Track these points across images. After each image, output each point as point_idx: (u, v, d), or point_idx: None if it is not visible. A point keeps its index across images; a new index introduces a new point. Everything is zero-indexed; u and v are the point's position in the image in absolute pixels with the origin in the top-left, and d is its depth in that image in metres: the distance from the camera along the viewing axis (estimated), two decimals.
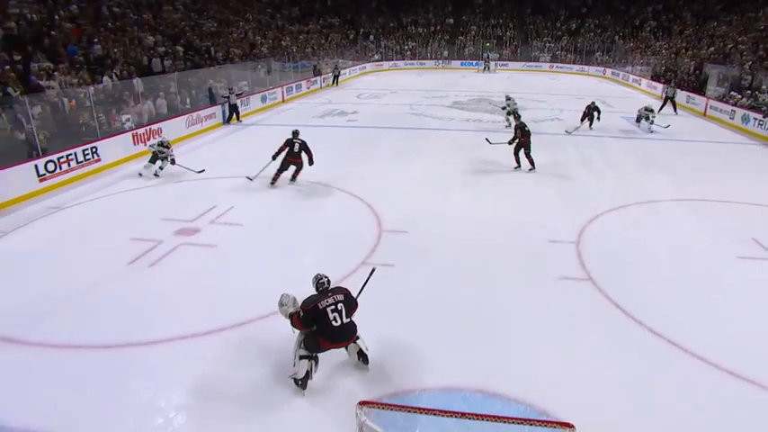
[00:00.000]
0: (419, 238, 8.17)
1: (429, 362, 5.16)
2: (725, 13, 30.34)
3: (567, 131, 16.07)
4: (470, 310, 6.13)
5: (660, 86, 24.28)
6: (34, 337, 5.57)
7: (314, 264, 6.93)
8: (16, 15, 15.54)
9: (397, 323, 5.79)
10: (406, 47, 40.81)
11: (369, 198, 9.82)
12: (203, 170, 11.38)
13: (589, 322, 5.94)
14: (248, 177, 10.80)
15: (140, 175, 11.21)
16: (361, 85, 29.33)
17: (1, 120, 10.89)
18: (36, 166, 10.22)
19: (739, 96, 18.65)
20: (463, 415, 3.36)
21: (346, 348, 4.96)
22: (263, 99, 20.72)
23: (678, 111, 19.93)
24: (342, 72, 30.01)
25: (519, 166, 11.87)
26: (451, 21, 43.22)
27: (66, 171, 10.91)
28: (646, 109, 16.63)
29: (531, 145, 11.60)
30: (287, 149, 10.38)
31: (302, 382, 4.69)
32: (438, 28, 42.52)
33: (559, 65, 38.11)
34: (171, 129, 14.32)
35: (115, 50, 16.83)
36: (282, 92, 22.70)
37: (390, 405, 3.65)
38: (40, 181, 10.28)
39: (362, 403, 3.48)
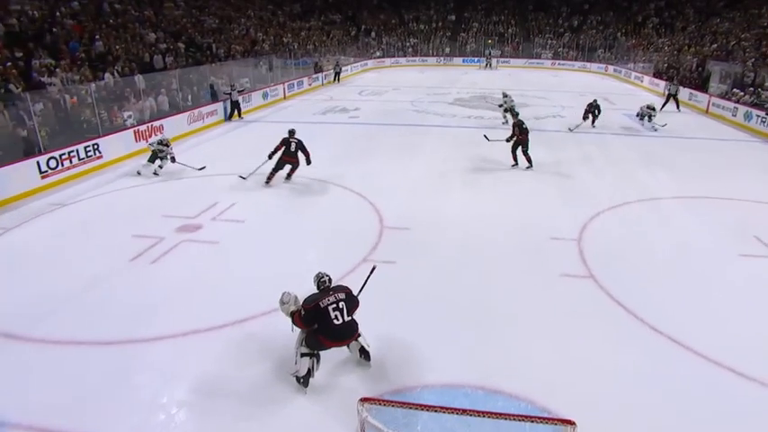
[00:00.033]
0: (421, 234, 8.17)
1: (430, 359, 5.17)
2: (728, 9, 30.21)
3: (569, 129, 16.04)
4: (472, 307, 6.14)
5: (662, 83, 24.20)
6: (36, 333, 5.59)
7: (315, 260, 6.96)
8: (18, 12, 15.53)
9: (398, 320, 5.79)
10: (408, 43, 40.73)
11: (370, 195, 9.82)
12: (204, 167, 11.37)
13: (590, 319, 5.94)
14: (241, 176, 10.71)
15: (139, 173, 11.16)
16: (363, 82, 29.28)
17: (2, 117, 10.88)
18: (38, 163, 10.23)
19: (742, 93, 18.59)
20: (464, 412, 3.36)
21: (348, 346, 4.97)
22: (265, 96, 20.70)
23: (680, 108, 19.86)
24: (343, 69, 29.94)
25: (516, 163, 11.84)
26: (453, 17, 43.10)
27: (68, 168, 10.92)
28: (648, 107, 16.58)
29: (529, 143, 11.57)
30: (283, 149, 10.31)
31: (304, 380, 4.69)
32: (440, 24, 42.42)
33: (561, 62, 37.99)
34: (172, 126, 14.32)
35: (117, 47, 16.82)
36: (284, 89, 22.67)
37: (392, 402, 3.66)
38: (42, 178, 10.29)
39: (364, 400, 3.48)
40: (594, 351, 5.36)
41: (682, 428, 4.39)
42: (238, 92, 17.69)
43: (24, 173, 9.94)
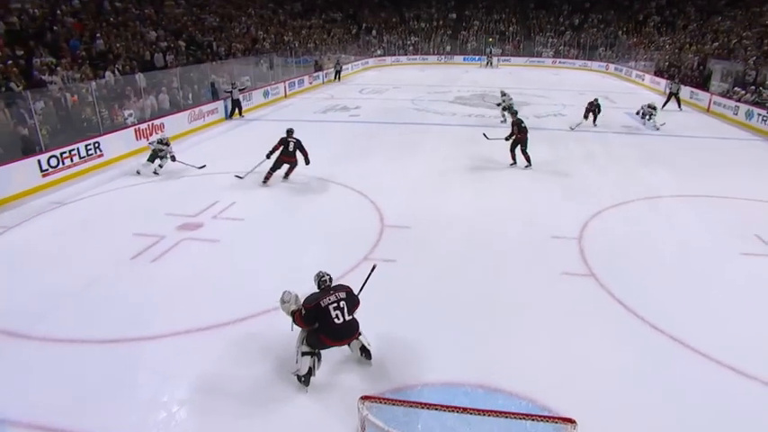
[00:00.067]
0: (421, 233, 8.17)
1: (431, 357, 5.17)
2: (729, 7, 30.14)
3: (570, 128, 16.01)
4: (472, 305, 6.14)
5: (663, 82, 24.17)
6: (37, 332, 5.59)
7: (316, 259, 6.96)
8: (18, 10, 15.53)
9: (398, 318, 5.80)
10: (409, 42, 40.68)
11: (371, 193, 9.82)
12: (204, 165, 11.36)
13: (591, 318, 5.94)
14: (238, 175, 10.66)
15: (138, 173, 11.13)
16: (364, 81, 29.26)
17: (4, 115, 10.88)
18: (39, 162, 10.24)
19: (743, 92, 18.55)
20: (465, 410, 3.36)
21: (349, 345, 4.97)
22: (266, 94, 20.70)
23: (682, 107, 19.82)
24: (344, 67, 29.92)
25: (515, 162, 11.81)
26: (454, 16, 43.05)
27: (69, 166, 10.92)
28: (649, 106, 16.54)
29: (528, 141, 11.54)
30: (281, 148, 10.25)
31: (305, 379, 4.69)
32: (440, 23, 42.36)
33: (562, 60, 37.92)
34: (173, 124, 14.33)
35: (117, 45, 16.82)
36: (285, 87, 22.67)
37: (392, 400, 3.66)
38: (43, 176, 10.30)
39: (364, 398, 3.48)
40: (595, 350, 5.36)
41: (682, 427, 4.38)
42: (239, 90, 17.69)
43: (25, 171, 9.94)
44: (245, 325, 5.70)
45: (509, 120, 13.55)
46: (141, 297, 6.31)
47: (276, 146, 10.26)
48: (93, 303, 6.19)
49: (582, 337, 5.58)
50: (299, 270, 6.29)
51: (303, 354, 4.68)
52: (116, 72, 15.05)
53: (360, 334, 4.94)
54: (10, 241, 8.04)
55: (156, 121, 13.79)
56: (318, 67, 27.73)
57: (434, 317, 5.88)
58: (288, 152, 10.28)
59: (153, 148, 11.13)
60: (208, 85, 17.87)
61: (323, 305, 4.68)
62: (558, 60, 38.05)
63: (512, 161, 11.81)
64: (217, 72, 18.91)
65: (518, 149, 11.63)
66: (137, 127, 13.11)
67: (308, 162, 10.49)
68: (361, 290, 5.13)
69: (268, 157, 10.31)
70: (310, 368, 4.69)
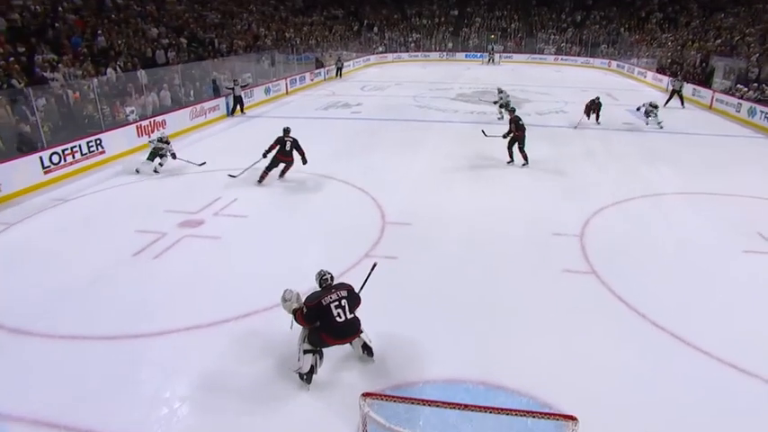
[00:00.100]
0: (423, 230, 8.17)
1: (432, 354, 5.17)
2: (732, 4, 30.04)
3: (574, 127, 15.93)
4: (473, 302, 6.14)
5: (666, 79, 24.08)
6: (39, 328, 5.60)
7: (317, 256, 6.98)
8: (20, 7, 15.55)
9: (400, 316, 5.80)
10: (411, 39, 40.58)
11: (372, 190, 9.81)
12: (204, 163, 11.35)
13: (592, 315, 5.94)
14: (231, 174, 10.52)
15: (137, 171, 11.07)
16: (365, 77, 29.23)
17: (5, 112, 10.89)
18: (41, 158, 10.26)
19: (746, 89, 18.48)
20: (466, 407, 3.36)
21: (350, 343, 4.97)
22: (267, 91, 20.69)
23: (684, 104, 19.75)
24: (345, 64, 29.87)
25: (512, 160, 11.74)
26: (456, 12, 42.93)
27: (71, 163, 10.94)
28: (650, 104, 16.48)
29: (526, 139, 11.48)
30: (278, 147, 10.13)
31: (307, 377, 4.69)
32: (442, 20, 42.24)
33: (564, 57, 37.78)
34: (175, 121, 14.33)
35: (119, 42, 16.83)
36: (286, 84, 22.66)
37: (393, 397, 3.66)
38: (45, 173, 10.32)
39: (366, 395, 3.48)
40: (596, 347, 5.36)
41: (683, 424, 4.38)
42: (241, 87, 17.67)
43: (27, 168, 9.96)
44: (247, 322, 5.71)
45: (506, 117, 13.48)
46: (143, 294, 6.32)
47: (273, 145, 10.13)
48: (95, 300, 6.20)
49: (583, 334, 5.57)
50: (300, 267, 6.30)
51: (305, 351, 4.68)
52: (117, 69, 15.06)
53: (361, 332, 4.93)
54: (12, 238, 8.06)
55: (158, 118, 13.79)
56: (320, 64, 27.67)
57: (436, 314, 5.88)
58: (285, 151, 10.18)
59: (153, 146, 11.11)
60: (209, 82, 17.87)
61: (324, 303, 4.68)
62: (560, 57, 37.91)
63: (509, 159, 11.76)
64: (218, 69, 18.92)
65: (515, 147, 11.58)
66: (138, 124, 13.12)
67: (305, 161, 10.38)
68: (362, 288, 5.13)
69: (264, 156, 10.19)
70: (312, 366, 4.69)
